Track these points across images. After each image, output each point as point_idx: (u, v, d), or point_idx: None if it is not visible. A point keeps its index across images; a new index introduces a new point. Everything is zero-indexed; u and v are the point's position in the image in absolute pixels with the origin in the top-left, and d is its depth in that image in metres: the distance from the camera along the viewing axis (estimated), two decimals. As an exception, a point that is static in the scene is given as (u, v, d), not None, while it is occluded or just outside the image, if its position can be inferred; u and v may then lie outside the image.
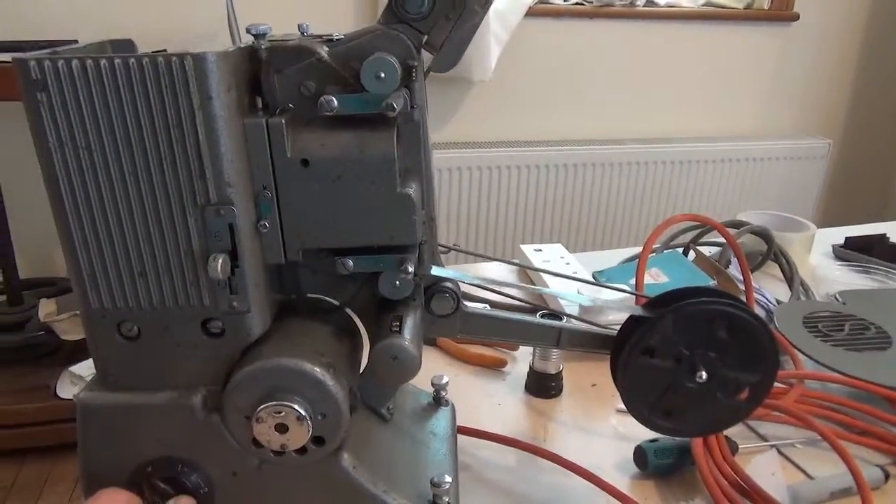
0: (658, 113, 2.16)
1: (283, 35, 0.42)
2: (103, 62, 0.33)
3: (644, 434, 0.60)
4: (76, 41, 1.25)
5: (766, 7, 2.19)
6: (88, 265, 0.37)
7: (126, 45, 0.42)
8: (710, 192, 2.17)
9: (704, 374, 0.42)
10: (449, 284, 0.45)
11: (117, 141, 0.34)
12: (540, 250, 0.93)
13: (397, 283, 0.41)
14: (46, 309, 1.44)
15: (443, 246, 0.47)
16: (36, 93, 0.33)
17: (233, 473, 0.41)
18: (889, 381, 0.60)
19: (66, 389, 1.38)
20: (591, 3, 2.00)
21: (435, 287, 0.45)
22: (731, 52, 2.17)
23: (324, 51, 0.37)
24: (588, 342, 0.46)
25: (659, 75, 2.11)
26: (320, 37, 0.40)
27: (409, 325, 0.40)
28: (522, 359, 0.72)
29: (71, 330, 1.40)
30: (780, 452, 0.57)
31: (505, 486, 0.53)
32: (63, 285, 1.60)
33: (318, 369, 0.38)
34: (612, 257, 0.98)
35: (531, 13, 1.88)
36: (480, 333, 0.46)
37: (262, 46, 0.37)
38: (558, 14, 1.97)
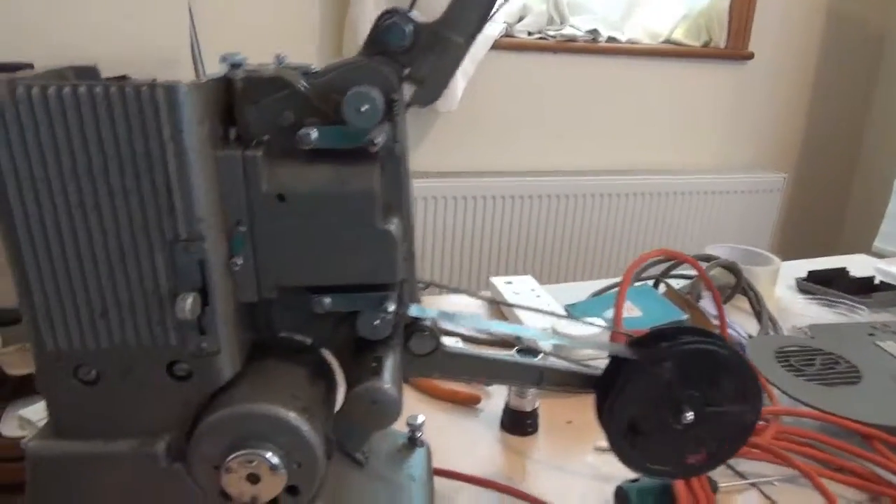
0: (619, 146, 2.20)
1: (258, 65, 0.40)
2: (66, 90, 0.31)
3: (623, 473, 0.58)
4: (31, 65, 1.21)
5: (722, 46, 2.26)
6: (44, 304, 0.34)
7: (89, 73, 0.40)
8: (669, 224, 2.20)
9: (690, 415, 0.42)
10: (428, 323, 0.43)
11: (78, 173, 0.32)
12: (510, 283, 0.92)
13: (376, 322, 0.39)
14: (-9, 342, 1.37)
15: (420, 282, 0.45)
16: (-8, 120, 0.31)
17: (198, 527, 0.38)
18: (862, 417, 0.61)
19: (11, 428, 1.30)
20: (555, 37, 2.03)
21: (414, 325, 0.43)
22: (690, 89, 2.22)
23: (302, 82, 0.36)
24: (570, 382, 0.45)
25: (620, 110, 2.15)
26: (297, 68, 0.38)
27: (389, 366, 0.39)
28: (497, 395, 0.70)
29: (18, 363, 1.32)
30: (759, 490, 0.56)
31: (483, 532, 0.51)
32: (7, 317, 1.52)
33: (292, 415, 0.36)
34: (580, 290, 0.97)
35: (496, 46, 1.90)
36: (460, 373, 0.45)
37: (238, 76, 0.35)
38: (523, 48, 2.00)
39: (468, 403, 0.68)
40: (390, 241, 0.37)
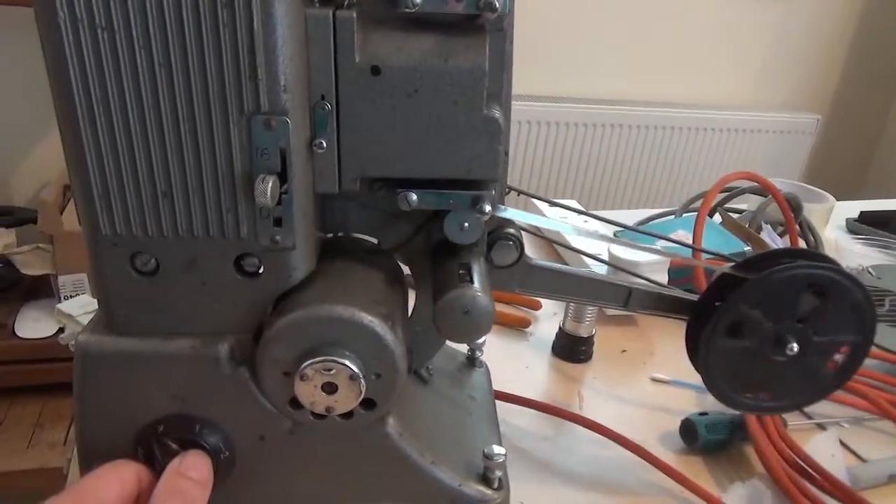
0: (651, 77, 2.10)
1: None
2: (136, -86, 0.25)
3: (683, 405, 0.56)
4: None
5: (768, -26, 2.13)
6: (101, 180, 0.30)
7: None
8: (698, 160, 2.14)
9: (795, 347, 0.38)
10: (512, 231, 0.39)
11: (148, 20, 0.27)
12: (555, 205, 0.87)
13: (466, 225, 0.35)
14: (4, 240, 1.33)
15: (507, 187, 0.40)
16: (45, -51, 0.26)
17: (260, 437, 0.35)
18: (937, 361, 0.57)
19: (27, 328, 1.28)
20: (595, -46, 1.91)
21: (497, 233, 0.39)
22: (728, 22, 2.11)
23: (405, -68, 0.30)
24: (662, 306, 0.41)
25: (655, 40, 2.05)
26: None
27: (478, 274, 0.35)
28: (545, 319, 0.67)
29: (33, 263, 1.29)
30: (828, 431, 0.54)
31: (545, 458, 0.48)
32: (21, 215, 1.48)
33: (376, 321, 0.32)
34: (622, 218, 0.93)
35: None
36: (541, 289, 0.41)
37: (328, -79, 0.30)
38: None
39: (517, 326, 0.64)
40: (495, 129, 0.32)
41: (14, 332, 1.30)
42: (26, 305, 1.36)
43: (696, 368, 0.40)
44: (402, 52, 0.30)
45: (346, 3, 0.30)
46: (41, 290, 1.38)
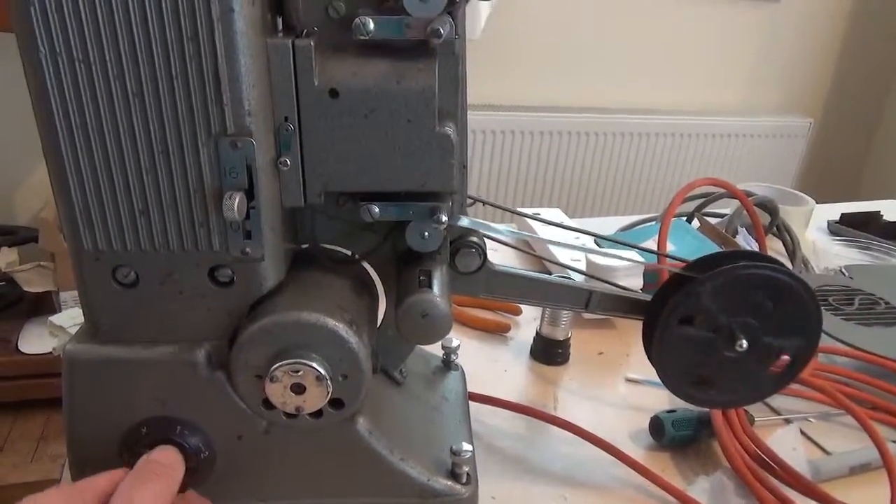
0: (642, 83, 2.13)
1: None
2: (107, -41, 0.28)
3: (656, 404, 0.58)
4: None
5: (756, -19, 2.16)
6: (82, 200, 0.32)
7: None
8: (693, 165, 2.16)
9: (745, 343, 0.40)
10: (475, 239, 0.41)
11: (121, 54, 0.29)
12: (538, 213, 0.90)
13: (426, 234, 0.37)
14: (7, 258, 1.36)
15: (469, 197, 0.43)
16: (26, -9, 0.28)
17: (237, 437, 0.38)
18: (901, 357, 0.59)
19: (30, 343, 1.31)
20: (584, -34, 1.94)
21: (460, 241, 0.41)
22: (720, 27, 2.14)
23: (359, -35, 0.33)
24: (619, 307, 0.44)
25: (645, 45, 2.08)
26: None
27: (438, 279, 0.37)
28: (525, 324, 0.69)
29: (35, 281, 1.32)
30: (794, 426, 0.56)
31: (517, 456, 0.50)
32: (24, 234, 1.51)
33: (340, 325, 0.34)
34: (607, 225, 0.95)
35: (523, -27, 1.82)
36: (506, 293, 0.43)
37: (288, -42, 0.32)
38: (550, -25, 1.91)
39: (497, 331, 0.67)
40: (447, 146, 0.34)
41: (17, 348, 1.33)
42: (29, 322, 1.40)
43: (651, 363, 0.42)
44: (358, 77, 0.33)
45: (304, 32, 0.33)
46: (43, 306, 1.41)
